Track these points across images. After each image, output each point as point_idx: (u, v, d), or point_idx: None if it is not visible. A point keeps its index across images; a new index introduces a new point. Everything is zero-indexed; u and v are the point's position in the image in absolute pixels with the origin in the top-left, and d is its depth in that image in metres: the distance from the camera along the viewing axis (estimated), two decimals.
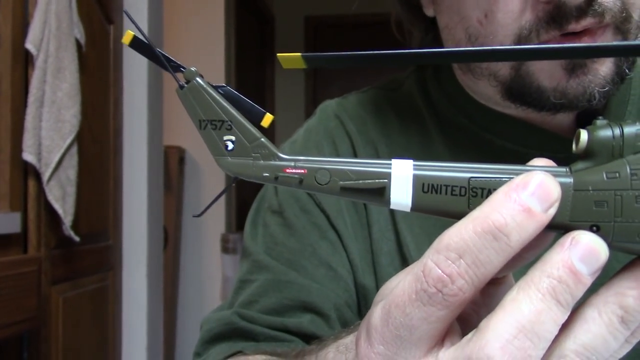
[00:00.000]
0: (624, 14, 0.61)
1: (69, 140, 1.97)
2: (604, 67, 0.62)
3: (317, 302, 0.73)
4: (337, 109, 0.83)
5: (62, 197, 1.95)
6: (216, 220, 3.79)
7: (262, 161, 0.37)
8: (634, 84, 0.75)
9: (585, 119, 0.71)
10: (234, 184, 0.39)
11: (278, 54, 0.38)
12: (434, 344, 0.35)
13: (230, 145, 0.37)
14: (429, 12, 0.75)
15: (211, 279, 3.79)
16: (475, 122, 0.75)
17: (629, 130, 0.33)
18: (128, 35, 0.37)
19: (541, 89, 0.64)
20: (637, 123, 0.33)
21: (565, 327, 0.34)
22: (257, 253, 0.78)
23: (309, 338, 0.70)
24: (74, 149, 2.02)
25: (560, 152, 0.69)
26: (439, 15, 0.73)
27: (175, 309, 3.70)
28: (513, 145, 0.72)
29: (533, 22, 0.61)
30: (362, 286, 0.74)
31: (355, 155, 0.78)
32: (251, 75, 4.66)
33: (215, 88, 0.37)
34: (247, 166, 0.37)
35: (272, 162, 0.37)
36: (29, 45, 1.89)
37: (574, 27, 0.60)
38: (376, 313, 0.36)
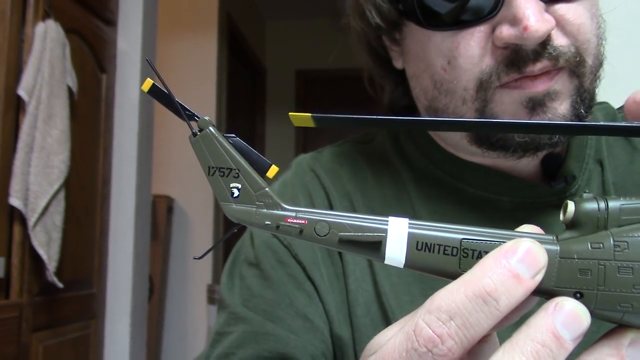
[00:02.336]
0: (577, 59, 0.64)
1: (56, 186, 1.98)
2: (562, 107, 0.65)
3: (294, 353, 0.73)
4: (312, 163, 0.85)
5: (47, 242, 1.94)
6: (202, 270, 3.77)
7: (265, 210, 0.38)
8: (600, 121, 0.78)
9: (549, 164, 0.73)
10: (236, 230, 0.40)
11: (290, 113, 0.40)
12: None
13: (236, 193, 0.38)
14: (399, 64, 0.78)
15: (196, 330, 3.74)
16: (446, 171, 0.77)
17: (613, 204, 0.35)
18: (147, 83, 0.38)
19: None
20: (621, 198, 0.35)
21: None
22: (234, 305, 0.78)
23: None
24: (61, 195, 2.02)
25: (529, 197, 0.71)
26: (407, 65, 0.76)
27: (159, 359, 3.63)
28: (484, 193, 0.74)
29: (493, 66, 0.64)
30: (338, 337, 0.74)
31: (331, 208, 0.79)
32: (242, 125, 4.71)
33: (226, 138, 0.39)
34: (251, 214, 0.38)
35: (275, 212, 0.38)
36: (21, 91, 1.91)
37: (532, 69, 0.63)
38: None
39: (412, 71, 0.74)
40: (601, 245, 0.34)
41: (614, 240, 0.34)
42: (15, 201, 1.86)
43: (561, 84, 0.65)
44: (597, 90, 0.70)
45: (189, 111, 0.39)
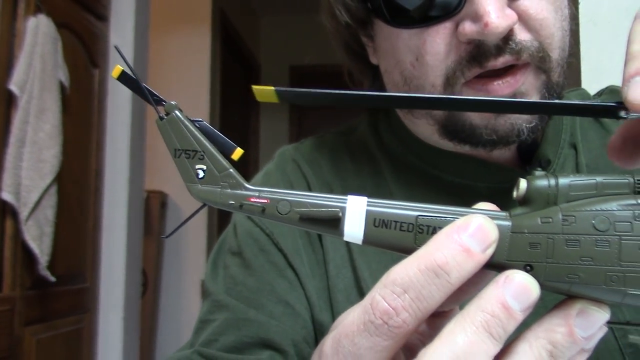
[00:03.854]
0: (541, 54, 0.66)
1: (48, 180, 1.98)
2: None
3: (275, 338, 0.74)
4: (294, 154, 0.86)
5: (39, 236, 1.95)
6: (196, 265, 3.78)
7: (229, 190, 0.40)
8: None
9: (525, 149, 0.75)
10: (201, 210, 0.42)
11: (253, 86, 0.42)
12: None
13: (201, 174, 0.40)
14: (374, 60, 0.80)
15: (190, 325, 3.70)
16: (423, 160, 0.79)
17: (562, 181, 0.37)
18: (117, 69, 0.40)
19: (474, 126, 0.68)
20: (571, 175, 0.37)
21: (499, 359, 0.36)
22: (217, 293, 0.79)
23: None
24: (53, 189, 2.03)
25: (506, 182, 0.73)
26: (380, 61, 0.77)
27: (154, 354, 3.64)
28: (461, 180, 0.76)
29: (457, 61, 0.66)
30: (319, 323, 0.76)
31: None
32: (236, 121, 4.71)
33: (193, 121, 0.40)
34: (215, 194, 0.40)
35: (238, 192, 0.40)
36: (13, 86, 1.92)
37: (494, 64, 0.64)
38: (327, 342, 0.39)
39: (383, 67, 0.76)
40: (550, 219, 0.36)
41: (562, 215, 0.36)
42: (7, 195, 1.87)
43: (528, 84, 0.66)
44: (565, 80, 0.71)
45: (157, 96, 0.40)
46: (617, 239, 0.35)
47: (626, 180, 0.36)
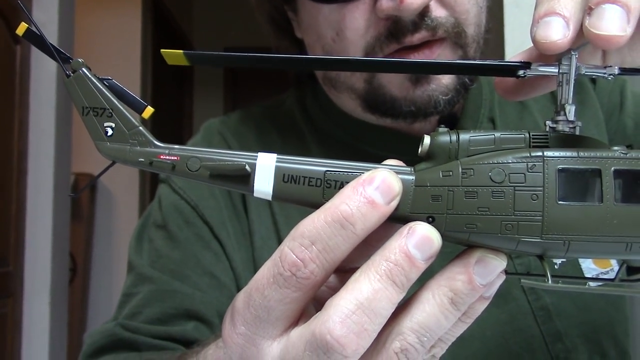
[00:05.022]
0: (456, 29, 0.68)
1: None
2: (446, 78, 0.69)
3: (200, 309, 0.74)
4: (220, 127, 0.87)
5: None
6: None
7: (138, 147, 0.40)
8: (484, 90, 0.83)
9: (446, 123, 0.77)
10: (111, 167, 0.41)
11: (162, 50, 0.42)
12: (289, 324, 0.39)
13: (110, 132, 0.40)
14: (299, 34, 0.81)
15: None
16: (349, 133, 0.80)
17: (463, 137, 0.38)
18: (22, 27, 0.39)
19: (394, 98, 0.70)
20: (472, 131, 0.39)
21: (404, 308, 0.38)
22: (141, 266, 0.79)
23: (193, 345, 0.71)
24: None
25: None
26: (303, 36, 0.78)
27: (83, 340, 3.57)
28: (385, 153, 0.77)
29: (376, 37, 0.68)
30: None
31: None
32: (169, 103, 4.63)
33: (101, 80, 0.40)
34: (124, 151, 0.40)
35: (148, 149, 0.40)
36: None
37: (410, 39, 0.66)
38: (239, 297, 0.39)
39: (307, 41, 0.77)
40: (451, 173, 0.38)
41: (462, 168, 0.37)
42: None
43: (444, 56, 0.68)
44: (480, 55, 0.73)
45: (63, 53, 0.40)
46: (511, 190, 0.37)
47: (522, 135, 0.38)
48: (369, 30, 0.68)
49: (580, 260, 0.75)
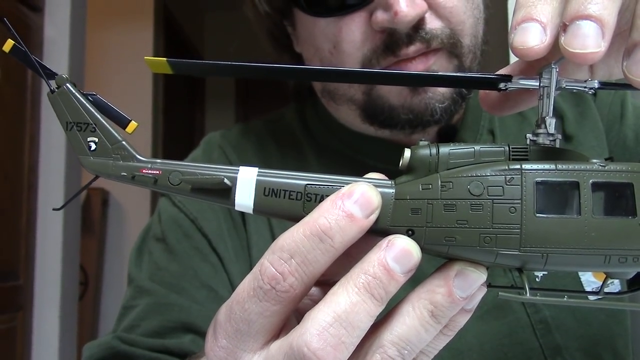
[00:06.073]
0: (452, 40, 0.69)
1: None
2: (442, 87, 0.69)
3: (197, 322, 0.74)
4: (221, 141, 0.87)
5: None
6: None
7: (121, 162, 0.40)
8: None
9: (445, 134, 0.77)
10: (94, 182, 0.42)
11: (145, 57, 0.42)
12: (270, 337, 0.39)
13: (93, 146, 0.40)
14: (298, 48, 0.82)
15: None
16: (347, 145, 0.80)
17: (443, 150, 0.39)
18: (8, 43, 0.40)
19: (392, 107, 0.70)
20: (452, 144, 0.39)
21: (385, 320, 0.38)
22: (140, 279, 0.79)
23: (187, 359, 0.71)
24: None
25: None
26: (302, 50, 0.79)
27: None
28: (383, 165, 0.77)
29: (373, 50, 0.69)
30: None
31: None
32: (181, 119, 4.66)
33: (85, 95, 0.41)
34: (107, 166, 0.40)
35: (130, 163, 0.40)
36: None
37: (406, 52, 0.67)
38: (221, 310, 0.40)
39: (305, 55, 0.78)
40: (430, 186, 0.38)
41: (441, 181, 0.38)
42: None
43: (439, 65, 0.69)
44: (478, 67, 0.74)
45: (48, 69, 0.41)
46: (490, 203, 0.37)
47: (502, 149, 0.39)
48: (366, 43, 0.68)
49: (580, 273, 0.74)
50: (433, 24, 0.67)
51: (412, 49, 0.67)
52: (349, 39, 0.69)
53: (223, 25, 5.34)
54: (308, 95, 0.88)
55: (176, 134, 4.23)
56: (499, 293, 0.39)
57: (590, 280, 0.74)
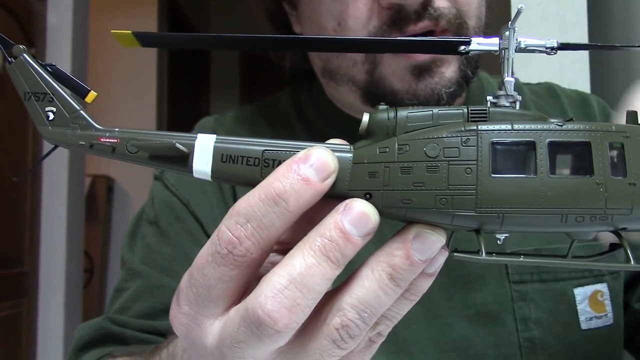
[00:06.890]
0: (458, 21, 0.68)
1: None
2: (449, 71, 0.69)
3: None
4: (215, 125, 0.87)
5: None
6: None
7: (79, 131, 0.40)
8: (486, 86, 0.83)
9: None
10: (53, 151, 0.43)
11: (112, 31, 0.42)
12: (230, 303, 0.39)
13: (51, 116, 0.40)
14: (297, 29, 0.81)
15: None
16: (342, 130, 0.80)
17: (401, 113, 0.38)
18: None
19: (395, 92, 0.69)
20: (410, 108, 0.38)
21: (345, 284, 0.38)
22: (132, 262, 0.80)
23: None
24: None
25: None
26: (303, 29, 0.78)
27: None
28: None
29: (379, 27, 0.67)
30: None
31: None
32: (185, 105, 4.66)
33: (43, 65, 0.41)
34: (66, 135, 0.40)
35: (88, 132, 0.40)
36: None
37: (413, 29, 0.66)
38: (184, 277, 0.40)
39: (306, 34, 0.77)
40: (387, 149, 0.37)
41: (398, 144, 0.37)
42: None
43: None
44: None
45: (7, 41, 0.41)
46: (445, 164, 0.36)
47: (460, 111, 0.38)
48: (372, 19, 0.67)
49: (577, 302, 0.74)
50: (441, 2, 0.67)
51: (420, 25, 0.66)
52: (355, 16, 0.68)
53: (229, 11, 5.33)
54: (303, 78, 0.87)
55: (180, 121, 4.23)
56: (454, 254, 0.38)
57: (586, 309, 0.74)
